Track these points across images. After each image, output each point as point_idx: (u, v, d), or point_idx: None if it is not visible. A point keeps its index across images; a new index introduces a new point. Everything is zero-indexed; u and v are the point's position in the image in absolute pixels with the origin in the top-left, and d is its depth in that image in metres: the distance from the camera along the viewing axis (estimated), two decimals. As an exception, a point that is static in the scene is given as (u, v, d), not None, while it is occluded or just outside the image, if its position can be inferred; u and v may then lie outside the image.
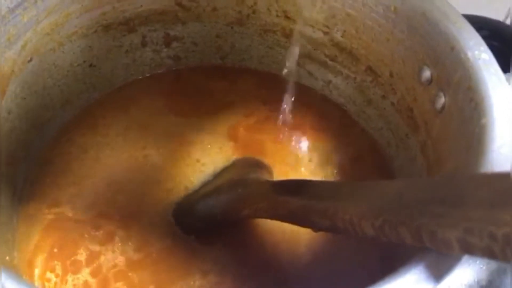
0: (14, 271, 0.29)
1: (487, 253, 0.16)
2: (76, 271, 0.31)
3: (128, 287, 0.30)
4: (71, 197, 0.35)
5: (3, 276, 0.17)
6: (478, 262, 0.42)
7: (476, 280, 0.42)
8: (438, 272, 0.19)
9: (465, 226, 0.16)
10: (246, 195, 0.31)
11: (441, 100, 0.30)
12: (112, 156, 0.37)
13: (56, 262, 0.31)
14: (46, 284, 0.30)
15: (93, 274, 0.31)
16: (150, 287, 0.31)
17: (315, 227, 0.25)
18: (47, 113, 0.37)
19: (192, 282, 0.31)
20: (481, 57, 0.26)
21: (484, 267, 0.43)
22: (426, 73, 0.31)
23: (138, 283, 0.31)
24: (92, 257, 0.32)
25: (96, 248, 0.32)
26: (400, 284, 0.18)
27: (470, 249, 0.17)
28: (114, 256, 0.32)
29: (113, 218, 0.34)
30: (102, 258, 0.32)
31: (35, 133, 0.36)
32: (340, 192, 0.24)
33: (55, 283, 0.31)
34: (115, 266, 0.32)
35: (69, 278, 0.31)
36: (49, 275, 0.31)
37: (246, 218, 0.32)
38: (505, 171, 0.21)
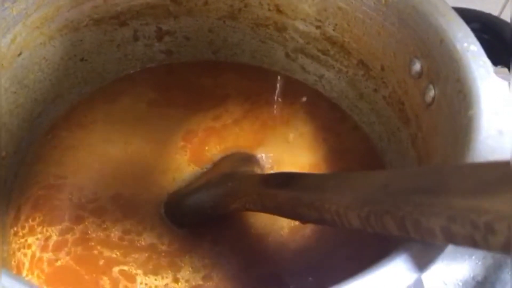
0: (3, 264, 0.29)
1: (470, 241, 0.16)
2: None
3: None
4: (61, 191, 0.35)
5: (3, 277, 0.17)
6: (473, 257, 0.42)
7: (471, 275, 0.42)
8: (422, 262, 0.19)
9: (448, 215, 0.16)
10: (236, 188, 0.31)
11: (431, 92, 0.30)
12: (104, 150, 0.37)
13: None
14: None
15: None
16: (138, 271, 0.31)
17: (303, 219, 0.25)
18: (38, 108, 0.37)
19: (180, 274, 0.31)
20: (470, 49, 0.26)
21: (479, 263, 0.43)
22: (417, 66, 0.31)
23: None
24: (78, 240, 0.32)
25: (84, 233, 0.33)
26: (383, 274, 0.18)
27: (453, 238, 0.17)
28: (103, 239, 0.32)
29: (104, 211, 0.34)
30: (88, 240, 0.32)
31: (26, 128, 0.36)
32: (327, 183, 0.24)
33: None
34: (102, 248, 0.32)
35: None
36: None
37: (236, 211, 0.32)
38: (489, 161, 0.21)
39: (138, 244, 0.33)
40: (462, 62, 0.26)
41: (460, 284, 0.41)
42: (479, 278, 0.42)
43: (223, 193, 0.32)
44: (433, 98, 0.30)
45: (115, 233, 0.33)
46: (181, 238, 0.33)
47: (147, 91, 0.41)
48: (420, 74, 0.31)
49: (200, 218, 0.33)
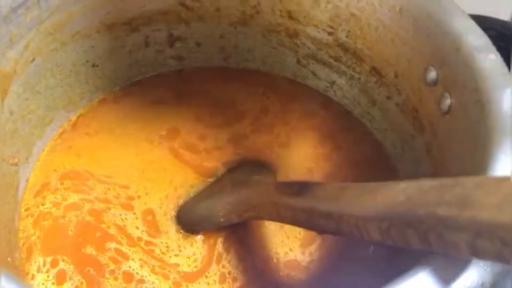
0: (15, 272, 0.29)
1: (498, 257, 0.16)
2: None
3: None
4: (74, 200, 0.35)
5: (3, 279, 0.17)
6: (482, 264, 0.42)
7: (480, 282, 0.42)
8: (447, 276, 0.18)
9: (475, 230, 0.16)
10: (249, 196, 0.31)
11: (447, 101, 0.30)
12: (114, 156, 0.37)
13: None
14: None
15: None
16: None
17: (319, 230, 0.25)
18: (50, 114, 0.36)
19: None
20: (488, 57, 0.26)
21: (488, 269, 0.42)
22: (432, 74, 0.31)
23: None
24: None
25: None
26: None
27: (479, 253, 0.16)
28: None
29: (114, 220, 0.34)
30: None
31: (37, 134, 0.36)
32: (345, 194, 0.24)
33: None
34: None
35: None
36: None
37: (249, 219, 0.32)
38: (513, 175, 0.21)
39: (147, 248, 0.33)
40: (480, 71, 0.26)
41: None
42: (488, 285, 0.41)
43: (236, 201, 0.31)
44: (449, 106, 0.29)
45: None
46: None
47: (158, 97, 0.41)
48: (435, 82, 0.31)
49: (212, 226, 0.33)
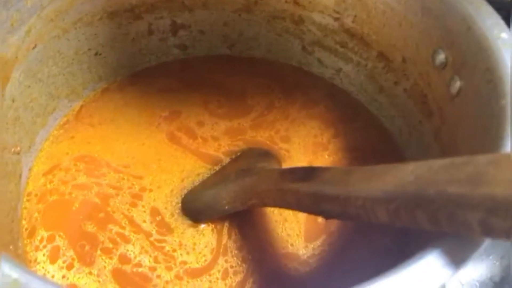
0: (18, 260, 0.28)
1: (508, 234, 0.15)
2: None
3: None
4: (75, 188, 0.34)
5: (3, 261, 0.16)
6: (491, 257, 0.41)
7: (489, 276, 0.41)
8: (457, 258, 0.18)
9: (488, 207, 0.15)
10: (254, 183, 0.30)
11: (457, 83, 0.29)
12: (117, 146, 0.37)
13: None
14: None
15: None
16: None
17: (325, 215, 0.24)
18: (52, 103, 0.36)
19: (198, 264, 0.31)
20: (500, 36, 0.25)
21: (497, 263, 0.42)
22: (441, 57, 0.30)
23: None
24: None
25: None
26: (416, 270, 0.17)
27: (491, 231, 0.16)
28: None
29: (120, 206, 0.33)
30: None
31: (40, 123, 0.35)
32: (351, 177, 0.23)
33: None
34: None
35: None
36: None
37: (254, 207, 0.32)
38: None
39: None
40: (492, 50, 0.25)
41: (477, 284, 0.40)
42: (497, 278, 0.40)
43: (241, 189, 0.31)
44: (459, 89, 0.29)
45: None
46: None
47: (161, 87, 0.40)
48: (444, 65, 0.30)
49: (217, 214, 0.32)
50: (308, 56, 0.41)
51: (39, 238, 0.31)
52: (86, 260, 0.31)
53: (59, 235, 0.32)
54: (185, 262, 0.31)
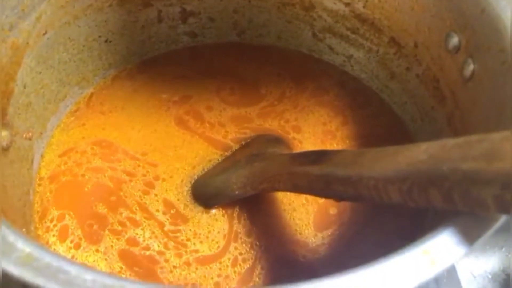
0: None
1: None
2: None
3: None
4: (91, 172, 0.34)
5: (16, 237, 0.16)
6: (503, 249, 0.41)
7: (501, 268, 0.40)
8: (470, 236, 0.17)
9: (503, 182, 0.15)
10: (265, 168, 0.30)
11: (470, 67, 0.28)
12: (129, 133, 0.37)
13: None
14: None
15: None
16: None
17: (337, 197, 0.24)
18: (63, 90, 0.36)
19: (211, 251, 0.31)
20: (515, 17, 0.25)
21: (509, 255, 0.41)
22: (454, 40, 0.30)
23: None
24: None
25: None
26: (429, 248, 0.17)
27: (507, 207, 0.15)
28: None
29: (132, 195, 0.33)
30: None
31: (51, 110, 0.36)
32: (363, 158, 0.23)
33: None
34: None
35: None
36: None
37: (265, 191, 0.32)
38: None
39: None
40: (506, 31, 0.25)
41: (490, 276, 0.40)
42: (509, 270, 0.40)
43: (251, 174, 0.31)
44: (472, 72, 0.28)
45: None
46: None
47: (171, 74, 0.40)
48: (457, 49, 0.30)
49: (227, 199, 0.32)
50: (318, 43, 0.41)
51: (50, 217, 0.32)
52: (93, 238, 0.31)
53: (69, 214, 0.32)
54: (197, 251, 0.31)
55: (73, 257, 0.30)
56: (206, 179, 0.33)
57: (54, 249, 0.30)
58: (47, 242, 0.31)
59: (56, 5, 0.32)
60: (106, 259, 0.30)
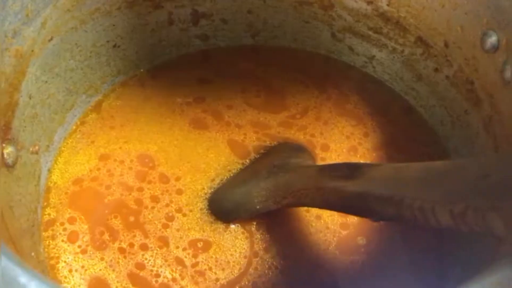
0: (40, 268, 0.26)
1: None
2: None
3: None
4: (97, 187, 0.32)
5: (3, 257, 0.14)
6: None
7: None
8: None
9: None
10: (289, 181, 0.28)
11: (511, 68, 0.26)
12: (140, 145, 0.35)
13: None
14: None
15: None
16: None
17: (375, 217, 0.22)
18: (70, 99, 0.34)
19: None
20: None
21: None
22: (492, 39, 0.28)
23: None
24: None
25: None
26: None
27: None
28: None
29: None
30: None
31: (58, 121, 0.34)
32: (404, 175, 0.21)
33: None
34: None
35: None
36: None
37: (289, 206, 0.29)
38: None
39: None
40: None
41: None
42: None
43: (274, 187, 0.28)
44: (515, 74, 0.26)
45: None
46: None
47: (183, 80, 0.38)
48: (495, 48, 0.28)
49: (248, 214, 0.30)
50: (338, 43, 0.39)
51: (60, 221, 0.31)
52: (101, 246, 0.30)
53: (80, 218, 0.31)
54: (217, 279, 0.29)
55: (83, 267, 0.29)
56: (224, 193, 0.31)
57: (65, 261, 0.29)
58: (56, 248, 0.29)
59: (62, 9, 0.30)
60: (114, 271, 0.29)
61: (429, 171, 0.20)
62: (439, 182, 0.19)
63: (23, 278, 0.14)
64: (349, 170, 0.24)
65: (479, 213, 0.16)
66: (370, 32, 0.37)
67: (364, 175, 0.23)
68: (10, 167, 0.26)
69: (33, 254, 0.26)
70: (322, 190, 0.25)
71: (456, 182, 0.18)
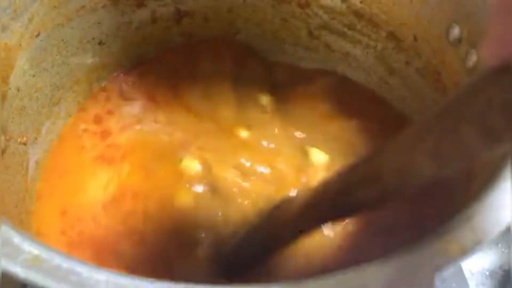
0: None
1: None
2: None
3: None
4: (83, 183, 0.33)
5: (23, 239, 0.16)
6: (499, 245, 0.41)
7: (498, 264, 0.40)
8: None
9: None
10: (282, 214, 0.27)
11: (473, 58, 0.28)
12: (129, 139, 0.36)
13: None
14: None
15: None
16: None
17: (364, 207, 0.22)
18: (57, 94, 0.35)
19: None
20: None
21: (506, 251, 0.41)
22: (455, 31, 0.30)
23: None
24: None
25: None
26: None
27: None
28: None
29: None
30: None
31: (45, 114, 0.34)
32: (379, 155, 0.22)
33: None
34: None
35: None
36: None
37: (289, 242, 0.27)
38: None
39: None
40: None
41: (487, 273, 0.39)
42: (506, 267, 0.40)
43: (271, 226, 0.27)
44: (476, 63, 0.28)
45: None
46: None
47: (166, 76, 0.40)
48: (459, 40, 0.30)
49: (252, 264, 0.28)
50: (314, 40, 0.40)
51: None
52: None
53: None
54: None
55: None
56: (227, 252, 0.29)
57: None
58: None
59: (49, 5, 0.32)
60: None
61: (394, 141, 0.21)
62: (409, 141, 0.19)
63: (16, 239, 0.15)
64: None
65: (452, 132, 0.16)
66: (345, 29, 0.38)
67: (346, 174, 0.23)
68: (-1, 155, 0.27)
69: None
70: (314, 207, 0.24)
71: (425, 126, 0.18)
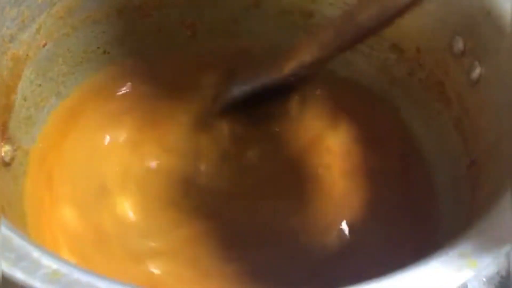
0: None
1: None
2: None
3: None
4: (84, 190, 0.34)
5: (41, 254, 0.16)
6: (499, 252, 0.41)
7: (496, 270, 0.41)
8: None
9: None
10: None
11: (477, 70, 0.29)
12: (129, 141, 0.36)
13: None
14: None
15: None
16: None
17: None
18: (63, 103, 0.35)
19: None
20: (523, 18, 0.25)
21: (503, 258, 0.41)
22: (459, 44, 0.30)
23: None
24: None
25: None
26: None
27: None
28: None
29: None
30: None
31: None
32: None
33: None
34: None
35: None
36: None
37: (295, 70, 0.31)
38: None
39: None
40: (515, 33, 0.25)
41: (484, 279, 0.40)
42: (504, 273, 0.40)
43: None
44: (480, 75, 0.29)
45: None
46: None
47: (170, 88, 0.40)
48: (463, 52, 0.30)
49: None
50: (318, 51, 0.41)
51: None
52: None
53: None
54: None
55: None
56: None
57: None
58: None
59: (55, 15, 0.32)
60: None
61: None
62: None
63: (35, 253, 0.15)
64: None
65: None
66: (348, 40, 0.39)
67: None
68: (8, 165, 0.27)
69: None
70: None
71: None
